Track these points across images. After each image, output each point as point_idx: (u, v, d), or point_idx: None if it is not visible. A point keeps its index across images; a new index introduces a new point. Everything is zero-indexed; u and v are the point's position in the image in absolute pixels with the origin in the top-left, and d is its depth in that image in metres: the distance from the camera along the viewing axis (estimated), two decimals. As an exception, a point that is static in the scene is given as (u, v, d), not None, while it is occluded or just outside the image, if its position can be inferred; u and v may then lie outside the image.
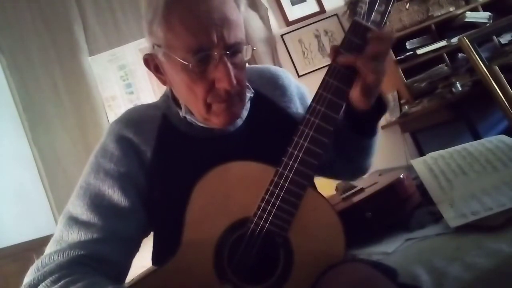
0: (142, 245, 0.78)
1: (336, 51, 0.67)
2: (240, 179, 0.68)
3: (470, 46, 1.76)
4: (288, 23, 2.88)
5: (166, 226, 0.74)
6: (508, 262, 0.67)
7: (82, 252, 0.65)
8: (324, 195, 0.70)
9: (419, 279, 0.71)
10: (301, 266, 0.66)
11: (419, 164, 1.03)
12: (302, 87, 0.91)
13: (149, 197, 0.74)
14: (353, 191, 1.15)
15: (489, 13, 2.50)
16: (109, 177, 0.71)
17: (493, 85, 1.69)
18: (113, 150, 0.74)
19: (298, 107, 0.86)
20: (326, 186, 1.15)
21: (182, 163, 0.75)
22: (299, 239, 0.66)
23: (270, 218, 0.65)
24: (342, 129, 0.80)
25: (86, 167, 0.75)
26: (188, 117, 0.75)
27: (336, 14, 2.88)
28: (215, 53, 0.65)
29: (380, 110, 0.75)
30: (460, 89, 2.13)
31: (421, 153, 2.58)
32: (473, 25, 2.45)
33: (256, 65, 0.94)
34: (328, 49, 2.82)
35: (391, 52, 2.52)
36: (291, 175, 0.65)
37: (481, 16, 2.50)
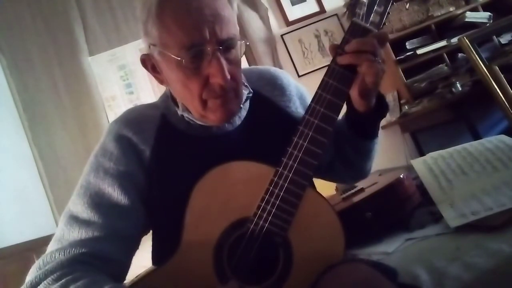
0: (141, 244, 0.78)
1: (335, 50, 0.67)
2: (240, 179, 0.68)
3: (470, 46, 1.76)
4: (288, 23, 2.88)
5: (165, 226, 0.74)
6: (508, 262, 0.67)
7: (83, 250, 0.65)
8: (324, 195, 0.70)
9: (419, 279, 0.71)
10: (301, 266, 0.66)
11: (419, 164, 1.03)
12: (301, 88, 0.91)
13: (148, 195, 0.74)
14: (353, 191, 1.15)
15: (489, 13, 2.50)
16: (108, 176, 0.72)
17: (493, 85, 1.69)
18: (112, 149, 0.74)
19: (297, 107, 0.86)
20: (326, 186, 1.15)
21: (181, 162, 0.75)
22: (299, 239, 0.66)
23: (270, 218, 0.65)
24: (342, 131, 0.80)
25: (86, 167, 0.76)
26: (186, 115, 0.76)
27: (336, 14, 2.88)
28: (208, 48, 0.66)
29: (380, 112, 0.75)
30: (460, 89, 2.13)
31: (421, 153, 2.58)
32: (473, 25, 2.45)
33: (256, 66, 0.94)
34: (328, 49, 2.82)
35: (391, 52, 2.52)
36: (290, 175, 0.66)
37: (481, 16, 2.50)
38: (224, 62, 0.67)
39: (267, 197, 0.66)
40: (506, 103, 1.66)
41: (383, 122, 2.80)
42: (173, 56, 0.67)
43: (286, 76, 0.90)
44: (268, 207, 0.65)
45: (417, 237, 0.90)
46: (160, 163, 0.75)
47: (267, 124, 0.80)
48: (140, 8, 0.70)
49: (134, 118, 0.78)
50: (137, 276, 0.79)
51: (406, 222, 0.98)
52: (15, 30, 2.66)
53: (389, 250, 0.88)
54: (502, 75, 1.69)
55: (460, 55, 2.41)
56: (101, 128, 2.59)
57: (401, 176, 1.04)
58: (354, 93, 0.70)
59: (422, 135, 2.68)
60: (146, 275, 0.66)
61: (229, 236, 0.66)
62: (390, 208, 1.00)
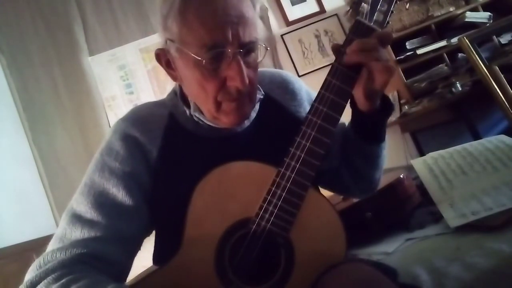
0: (143, 245, 0.78)
1: (338, 50, 0.67)
2: (242, 179, 0.68)
3: (470, 46, 1.76)
4: (288, 23, 2.88)
5: (168, 226, 0.74)
6: (508, 262, 0.67)
7: (84, 250, 0.65)
8: (324, 195, 0.70)
9: (419, 279, 0.71)
10: (302, 266, 0.66)
11: (419, 164, 1.03)
12: (312, 93, 0.90)
13: (152, 196, 0.74)
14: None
15: (489, 13, 2.50)
16: (114, 176, 0.71)
17: (493, 85, 1.69)
18: (118, 149, 0.73)
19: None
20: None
21: (187, 163, 0.75)
22: (300, 239, 0.66)
23: (272, 218, 0.65)
24: (349, 138, 0.80)
25: (91, 165, 0.75)
26: (197, 115, 0.75)
27: (336, 14, 2.88)
28: (229, 50, 0.65)
29: (386, 112, 0.75)
30: (460, 89, 2.13)
31: (421, 153, 2.58)
32: (473, 25, 2.45)
33: (268, 69, 0.94)
34: (328, 49, 2.82)
35: (391, 52, 2.52)
36: (292, 175, 0.65)
37: (481, 16, 2.50)
38: (243, 65, 0.66)
39: (269, 197, 0.65)
40: (506, 103, 1.66)
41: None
42: (192, 54, 0.66)
43: (298, 81, 0.89)
44: (270, 208, 0.65)
45: (417, 237, 0.90)
46: (166, 163, 0.74)
47: (275, 127, 0.80)
48: (161, 1, 0.68)
49: (142, 117, 0.77)
50: (137, 276, 0.79)
51: (406, 222, 0.98)
52: (15, 30, 2.66)
53: (389, 250, 0.88)
54: (502, 75, 1.69)
55: (460, 55, 2.41)
56: (101, 128, 2.59)
57: (401, 176, 1.05)
58: (358, 93, 0.70)
59: (422, 135, 2.68)
60: (147, 275, 0.66)
61: (230, 237, 0.66)
62: (390, 208, 1.00)
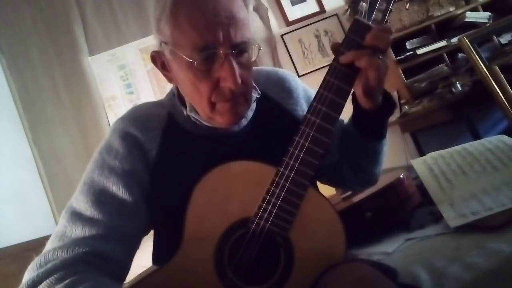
0: (142, 244, 0.78)
1: (337, 49, 0.67)
2: (241, 178, 0.68)
3: (470, 46, 1.76)
4: (288, 23, 2.88)
5: (167, 226, 0.74)
6: (508, 262, 0.67)
7: (86, 249, 0.64)
8: (324, 195, 0.70)
9: (419, 279, 0.71)
10: (302, 266, 0.66)
11: (419, 164, 1.03)
12: (309, 90, 0.90)
13: (152, 195, 0.74)
14: (353, 191, 1.15)
15: (489, 13, 2.50)
16: (113, 174, 0.71)
17: (493, 85, 1.69)
18: (118, 147, 0.74)
19: (304, 110, 0.85)
20: (326, 186, 1.16)
21: (186, 162, 0.75)
22: (300, 239, 0.66)
23: (271, 218, 0.65)
24: (350, 133, 0.80)
25: (90, 163, 0.75)
26: (193, 115, 0.75)
27: (336, 14, 2.88)
28: (221, 51, 0.65)
29: (387, 110, 0.75)
30: (460, 89, 2.13)
31: (421, 153, 2.58)
32: (473, 25, 2.45)
33: (264, 67, 0.94)
34: (328, 49, 2.82)
35: (391, 52, 2.52)
36: (292, 175, 0.65)
37: (481, 16, 2.50)
38: (236, 66, 0.67)
39: (268, 197, 0.65)
40: (506, 103, 1.66)
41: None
42: (184, 57, 0.66)
43: (294, 79, 0.89)
44: (269, 207, 0.65)
45: (417, 237, 0.90)
46: (165, 162, 0.74)
47: (273, 126, 0.80)
48: (154, 4, 0.69)
49: (141, 116, 0.78)
50: (137, 276, 0.79)
51: (406, 222, 0.98)
52: (15, 30, 2.66)
53: (389, 250, 0.88)
54: (502, 75, 1.69)
55: (460, 55, 2.41)
56: (101, 128, 2.59)
57: (401, 176, 1.04)
58: (358, 91, 0.70)
59: (422, 135, 2.68)
60: (147, 276, 0.66)
61: (230, 236, 0.66)
62: (390, 208, 1.00)
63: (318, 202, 0.68)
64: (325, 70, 0.68)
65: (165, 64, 0.74)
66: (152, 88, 2.71)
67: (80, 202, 0.70)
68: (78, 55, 2.67)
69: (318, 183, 0.90)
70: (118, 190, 0.70)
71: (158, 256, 0.79)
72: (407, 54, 2.49)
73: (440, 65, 2.45)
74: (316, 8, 2.89)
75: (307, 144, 0.66)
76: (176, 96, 0.79)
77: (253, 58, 0.72)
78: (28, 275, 0.62)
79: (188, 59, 0.66)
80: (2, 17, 2.66)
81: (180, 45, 0.67)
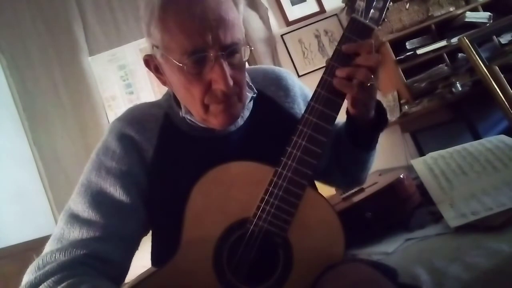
0: (141, 245, 0.77)
1: (335, 49, 0.67)
2: (239, 179, 0.68)
3: (470, 46, 1.76)
4: (288, 23, 2.88)
5: (165, 226, 0.74)
6: (508, 262, 0.67)
7: (84, 251, 0.64)
8: (324, 195, 0.70)
9: (419, 279, 0.71)
10: (301, 267, 0.65)
11: (419, 164, 1.03)
12: (305, 89, 0.91)
13: (149, 196, 0.74)
14: (353, 191, 1.15)
15: (489, 13, 2.49)
16: (110, 175, 0.71)
17: (493, 85, 1.69)
18: (115, 148, 0.73)
19: (301, 108, 0.85)
20: (325, 186, 1.16)
21: (183, 163, 0.75)
22: (299, 239, 0.66)
23: (269, 218, 0.65)
24: (341, 137, 0.80)
25: (87, 165, 0.75)
26: (188, 117, 0.75)
27: (336, 14, 2.87)
28: (211, 54, 0.65)
29: (379, 125, 0.76)
30: (460, 89, 2.13)
31: (421, 153, 2.57)
32: (473, 25, 2.44)
33: (261, 66, 0.94)
34: (328, 49, 2.82)
35: (391, 52, 2.51)
36: (290, 174, 0.65)
37: (481, 16, 2.49)
38: (227, 67, 0.66)
39: (266, 197, 0.65)
40: (506, 103, 1.66)
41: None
42: (174, 61, 0.66)
43: (291, 77, 0.89)
44: (268, 208, 0.65)
45: (417, 237, 0.90)
46: (162, 163, 0.74)
47: (270, 125, 0.80)
48: (143, 8, 0.69)
49: (137, 117, 0.78)
50: (136, 278, 0.79)
51: (406, 222, 0.98)
52: (15, 30, 2.65)
53: (389, 250, 0.88)
54: (502, 75, 1.69)
55: (460, 55, 2.40)
56: (101, 128, 2.59)
57: (401, 176, 1.04)
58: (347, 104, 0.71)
59: (422, 135, 2.68)
60: (146, 277, 0.65)
61: (228, 237, 0.66)
62: (390, 208, 1.00)
63: (316, 202, 0.68)
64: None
65: (158, 67, 0.73)
66: (152, 88, 2.71)
67: (78, 204, 0.70)
68: (78, 55, 2.66)
69: (317, 183, 0.90)
70: (115, 191, 0.70)
71: (156, 257, 0.79)
72: (407, 54, 2.49)
73: (440, 65, 2.45)
74: (316, 8, 2.89)
75: (304, 143, 0.66)
76: (172, 97, 0.79)
77: (245, 59, 0.71)
78: (27, 277, 0.63)
79: (178, 63, 0.66)
80: (2, 17, 2.66)
81: (170, 49, 0.67)
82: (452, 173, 0.96)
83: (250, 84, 0.80)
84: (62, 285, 0.59)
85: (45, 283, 0.60)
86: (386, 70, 2.57)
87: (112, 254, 0.67)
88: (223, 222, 0.66)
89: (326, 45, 2.85)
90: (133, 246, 0.74)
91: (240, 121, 0.78)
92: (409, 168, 1.13)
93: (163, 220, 0.74)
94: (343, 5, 2.76)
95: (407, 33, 2.55)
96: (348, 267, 0.63)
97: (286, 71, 0.91)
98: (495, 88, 1.68)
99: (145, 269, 0.84)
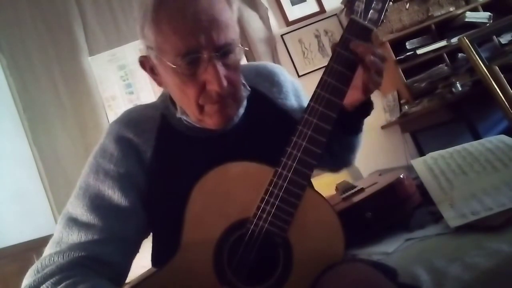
0: (142, 245, 0.77)
1: (335, 50, 0.68)
2: (239, 179, 0.68)
3: (470, 46, 1.76)
4: (288, 23, 2.88)
5: (165, 227, 0.74)
6: (508, 262, 0.67)
7: (82, 253, 0.64)
8: (324, 195, 0.70)
9: (419, 279, 0.71)
10: (301, 266, 0.65)
11: (419, 164, 1.03)
12: (295, 82, 0.92)
13: (148, 197, 0.74)
14: (353, 191, 1.15)
15: (489, 13, 2.49)
16: (108, 178, 0.71)
17: (493, 85, 1.69)
18: (112, 151, 0.73)
19: (293, 103, 0.86)
20: (326, 186, 1.15)
21: (181, 163, 0.75)
22: (299, 239, 0.66)
23: (270, 218, 0.65)
24: None
25: (85, 168, 0.75)
26: (184, 118, 0.75)
27: (336, 14, 2.88)
28: (204, 55, 0.65)
29: (366, 109, 0.78)
30: (460, 89, 2.13)
31: (421, 153, 2.58)
32: (473, 25, 2.44)
33: (253, 62, 0.95)
34: (328, 49, 2.82)
35: (391, 52, 2.52)
36: (290, 175, 0.65)
37: (481, 16, 2.49)
38: (221, 68, 0.66)
39: (266, 197, 0.65)
40: (506, 103, 1.66)
41: (383, 122, 2.80)
42: (168, 62, 0.66)
43: (283, 72, 0.90)
44: (268, 208, 0.65)
45: (417, 237, 0.90)
46: (161, 164, 0.74)
47: (265, 122, 0.80)
48: (137, 10, 0.69)
49: (134, 119, 0.78)
50: (136, 278, 0.79)
51: (406, 222, 0.98)
52: (15, 30, 2.65)
53: (389, 250, 0.88)
54: (502, 75, 1.69)
55: (460, 55, 2.41)
56: (101, 128, 2.59)
57: (401, 176, 1.04)
58: (352, 90, 0.71)
59: (422, 135, 2.68)
60: (146, 277, 0.65)
61: (229, 237, 0.66)
62: (390, 208, 1.00)
63: (316, 202, 0.68)
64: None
65: (153, 68, 0.74)
66: (152, 88, 2.71)
67: (76, 207, 0.70)
68: (78, 55, 2.66)
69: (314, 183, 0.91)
70: (113, 193, 0.70)
71: (157, 257, 0.79)
72: (407, 54, 2.49)
73: (440, 65, 2.45)
74: (316, 8, 2.89)
75: (304, 144, 0.66)
76: (169, 98, 0.80)
77: (240, 59, 0.71)
78: (26, 281, 0.63)
79: (171, 65, 0.66)
80: (2, 17, 2.66)
81: (164, 50, 0.67)
82: (452, 173, 0.96)
83: (244, 82, 0.80)
84: (61, 285, 0.59)
85: (44, 285, 0.60)
86: (386, 70, 2.57)
87: (111, 256, 0.67)
88: (223, 222, 0.66)
89: (326, 45, 2.85)
90: (133, 249, 0.74)
91: (236, 119, 0.79)
92: (409, 168, 1.13)
93: (163, 221, 0.74)
94: (341, 1, 2.76)
95: (407, 33, 2.55)
96: (348, 267, 0.63)
97: (278, 66, 0.91)
98: (495, 88, 1.68)
99: (145, 269, 0.84)
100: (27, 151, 2.57)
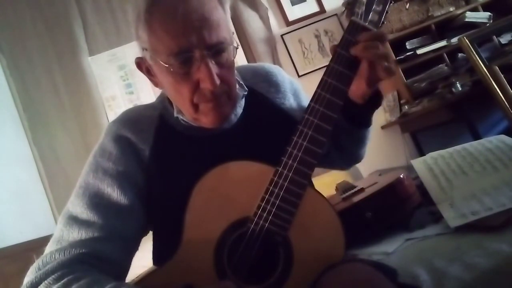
0: (142, 244, 0.78)
1: (335, 50, 0.68)
2: (240, 178, 0.68)
3: (470, 46, 1.76)
4: (288, 23, 2.88)
5: (165, 226, 0.74)
6: (508, 262, 0.67)
7: (83, 250, 0.65)
8: (324, 195, 0.70)
9: (419, 279, 0.71)
10: (301, 266, 0.66)
11: (419, 164, 1.03)
12: (295, 83, 0.92)
13: (148, 196, 0.74)
14: (353, 191, 1.15)
15: (489, 13, 2.49)
16: (108, 176, 0.72)
17: (493, 85, 1.69)
18: (111, 150, 0.74)
19: (292, 103, 0.87)
20: (326, 186, 1.15)
21: (180, 162, 0.75)
22: (299, 238, 0.66)
23: (270, 217, 0.65)
24: (338, 122, 0.80)
25: (84, 167, 0.76)
26: (180, 117, 0.76)
27: (336, 14, 2.87)
28: (197, 54, 0.66)
29: (376, 102, 0.77)
30: (460, 89, 2.13)
31: (421, 153, 2.58)
32: (473, 25, 2.44)
33: (250, 63, 0.95)
34: (328, 49, 2.82)
35: (391, 52, 2.51)
36: (290, 174, 0.66)
37: (481, 16, 2.49)
38: (213, 66, 0.67)
39: (267, 196, 0.66)
40: (506, 103, 1.66)
41: (383, 122, 2.79)
42: (161, 62, 0.67)
43: (280, 72, 0.90)
44: (268, 207, 0.65)
45: (417, 237, 0.90)
46: (159, 162, 0.75)
47: (263, 122, 0.81)
48: (131, 12, 0.70)
49: (133, 118, 0.79)
50: (137, 276, 0.79)
51: (406, 222, 0.98)
52: (15, 30, 2.66)
53: (389, 250, 0.88)
54: (502, 75, 1.69)
55: (460, 55, 2.41)
56: (101, 128, 2.58)
57: (401, 176, 1.04)
58: (359, 84, 0.70)
59: (422, 135, 2.68)
60: (147, 275, 0.66)
61: (229, 236, 0.66)
62: (390, 208, 1.00)
63: (317, 202, 0.68)
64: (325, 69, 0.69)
65: (149, 69, 0.75)
66: (152, 88, 2.70)
67: (76, 205, 0.71)
68: (78, 55, 2.66)
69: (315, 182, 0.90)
70: (113, 191, 0.71)
71: (158, 256, 0.79)
72: (407, 54, 2.49)
73: (440, 65, 2.45)
74: (316, 8, 2.89)
75: (305, 144, 0.66)
76: (166, 99, 0.80)
77: (233, 57, 0.72)
78: (27, 278, 0.63)
79: (164, 64, 0.67)
80: (2, 17, 2.66)
81: (157, 51, 0.68)
82: (452, 173, 0.96)
83: (241, 82, 0.81)
84: (63, 281, 0.60)
85: (45, 281, 0.61)
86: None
87: (111, 253, 0.68)
88: (224, 221, 0.66)
89: (326, 45, 2.85)
90: (133, 246, 0.74)
91: (234, 119, 0.79)
92: (409, 168, 1.13)
93: (163, 219, 0.74)
94: (341, 3, 2.77)
95: (407, 33, 2.55)
96: (348, 267, 0.63)
97: (276, 67, 0.92)
98: (495, 88, 1.68)
99: (145, 269, 0.84)
100: (27, 151, 2.57)
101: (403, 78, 2.51)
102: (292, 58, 2.84)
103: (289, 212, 0.65)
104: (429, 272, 0.72)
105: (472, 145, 1.03)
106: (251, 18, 2.78)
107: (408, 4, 2.57)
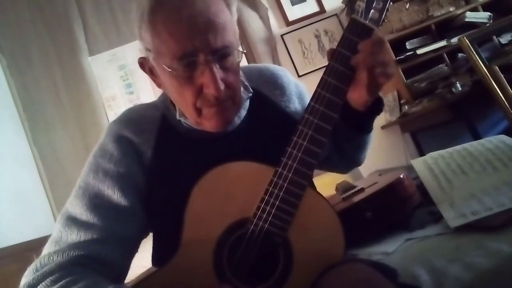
0: (142, 245, 0.77)
1: (332, 54, 0.67)
2: (240, 179, 0.68)
3: (470, 46, 1.76)
4: (288, 23, 2.88)
5: (165, 227, 0.74)
6: (508, 262, 0.67)
7: (81, 252, 0.64)
8: (324, 195, 0.70)
9: (419, 279, 0.71)
10: (301, 266, 0.65)
11: (419, 164, 1.03)
12: (300, 86, 0.91)
13: (148, 197, 0.74)
14: (353, 191, 1.15)
15: (489, 13, 2.49)
16: (108, 178, 0.71)
17: (493, 85, 1.69)
18: (112, 150, 0.73)
19: (296, 106, 0.86)
20: (326, 186, 1.15)
21: (181, 164, 0.75)
22: (299, 239, 0.66)
23: (270, 218, 0.65)
24: (339, 127, 0.80)
25: (84, 168, 0.75)
26: (183, 120, 0.75)
27: (336, 14, 2.87)
28: (201, 58, 0.65)
29: (377, 107, 0.76)
30: (460, 89, 2.13)
31: (421, 153, 2.58)
32: (473, 25, 2.44)
33: (256, 64, 0.94)
34: (328, 49, 2.82)
35: (391, 52, 2.51)
36: (290, 175, 0.65)
37: (481, 16, 2.49)
38: (218, 71, 0.66)
39: (266, 197, 0.65)
40: (506, 103, 1.66)
41: (383, 122, 2.79)
42: (164, 66, 0.66)
43: (286, 74, 0.89)
44: (268, 208, 0.65)
45: (417, 237, 0.90)
46: (161, 164, 0.74)
47: (266, 124, 0.80)
48: (134, 12, 0.69)
49: (134, 119, 0.77)
50: (136, 277, 0.79)
51: (406, 222, 0.98)
52: (15, 30, 2.65)
53: (389, 250, 0.88)
54: (502, 75, 1.69)
55: (460, 55, 2.40)
56: (101, 128, 2.59)
57: (401, 176, 1.04)
58: (356, 92, 0.69)
59: (422, 135, 2.68)
60: (146, 277, 0.66)
61: (229, 237, 0.66)
62: (390, 208, 1.00)
63: (316, 202, 0.68)
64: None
65: (152, 69, 0.73)
66: (152, 88, 2.71)
67: (75, 206, 0.70)
68: (78, 55, 2.66)
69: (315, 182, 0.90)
70: (113, 193, 0.70)
71: (157, 257, 0.79)
72: (407, 54, 2.49)
73: (440, 65, 2.45)
74: (316, 8, 2.89)
75: (305, 144, 0.66)
76: (169, 99, 0.79)
77: (238, 60, 0.70)
78: (25, 279, 0.63)
79: (167, 68, 0.66)
80: (2, 17, 2.66)
81: (161, 53, 0.66)
82: (452, 173, 0.96)
83: (246, 83, 0.80)
84: (61, 283, 0.59)
85: (43, 283, 0.60)
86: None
87: (110, 255, 0.67)
88: (223, 222, 0.66)
89: (326, 45, 2.85)
90: (132, 248, 0.74)
91: (238, 120, 0.78)
92: (409, 168, 1.13)
93: (163, 221, 0.74)
94: (343, 5, 2.76)
95: (407, 33, 2.55)
96: (348, 267, 0.63)
97: (281, 69, 0.90)
98: (495, 88, 1.68)
99: (145, 269, 0.84)
100: (27, 151, 2.57)
101: (403, 78, 2.51)
102: (292, 58, 2.84)
103: (289, 213, 0.65)
104: (429, 272, 0.72)
105: (472, 145, 1.03)
106: (251, 18, 2.78)
107: (408, 4, 2.57)
